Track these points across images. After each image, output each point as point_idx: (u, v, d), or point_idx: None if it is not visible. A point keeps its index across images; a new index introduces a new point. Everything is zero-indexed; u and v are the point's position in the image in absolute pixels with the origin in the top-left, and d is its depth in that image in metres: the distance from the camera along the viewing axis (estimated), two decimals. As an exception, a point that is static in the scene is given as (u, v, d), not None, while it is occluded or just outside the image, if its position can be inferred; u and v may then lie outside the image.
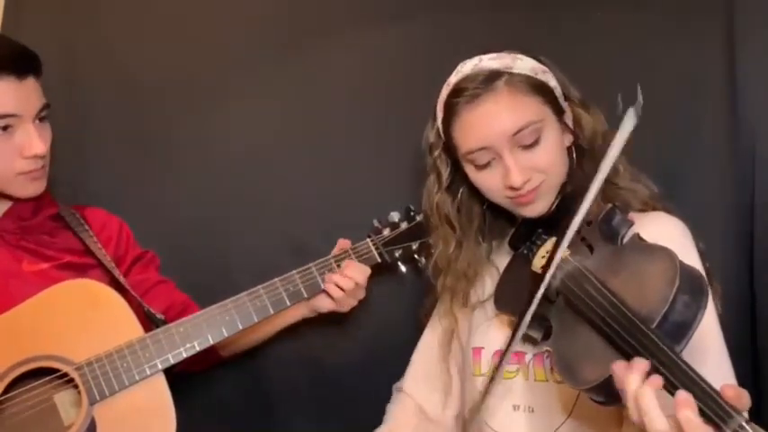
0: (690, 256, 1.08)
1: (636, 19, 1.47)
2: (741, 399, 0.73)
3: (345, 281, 1.33)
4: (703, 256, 1.11)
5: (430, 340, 1.35)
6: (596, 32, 1.48)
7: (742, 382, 1.08)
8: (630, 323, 0.82)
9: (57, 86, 1.50)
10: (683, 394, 0.73)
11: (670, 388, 0.76)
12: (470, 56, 1.16)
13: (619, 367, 0.79)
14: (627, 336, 0.82)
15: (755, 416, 0.95)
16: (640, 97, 0.83)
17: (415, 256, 1.42)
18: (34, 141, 1.21)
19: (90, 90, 1.62)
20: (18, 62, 1.19)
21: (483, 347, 1.19)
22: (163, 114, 1.62)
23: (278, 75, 1.60)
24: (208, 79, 1.61)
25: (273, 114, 1.61)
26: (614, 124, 0.87)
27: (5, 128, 1.19)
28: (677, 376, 0.76)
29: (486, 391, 1.05)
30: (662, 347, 0.78)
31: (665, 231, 1.10)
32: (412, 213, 1.42)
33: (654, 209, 1.17)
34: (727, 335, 1.07)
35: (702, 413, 0.72)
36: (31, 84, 1.21)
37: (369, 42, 1.58)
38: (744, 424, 0.69)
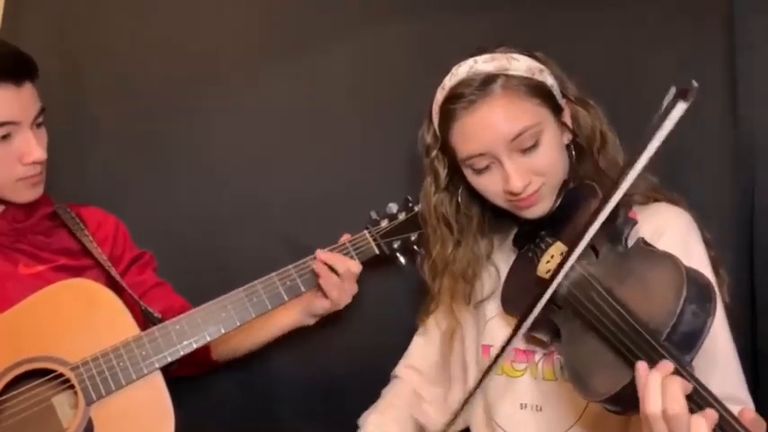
0: (695, 248, 1.07)
1: (636, 18, 1.44)
2: (758, 425, 0.72)
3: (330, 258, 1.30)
4: (709, 245, 1.10)
5: (425, 342, 1.35)
6: (596, 32, 1.46)
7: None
8: (639, 336, 0.82)
9: (56, 86, 1.53)
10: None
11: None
12: (467, 53, 1.13)
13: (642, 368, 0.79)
14: (636, 350, 0.81)
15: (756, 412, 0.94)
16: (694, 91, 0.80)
17: (414, 247, 1.37)
18: (33, 148, 1.20)
19: (89, 90, 1.61)
20: (16, 68, 1.18)
21: (491, 345, 1.18)
22: (161, 114, 1.61)
23: (276, 74, 1.59)
24: (206, 79, 1.60)
25: (271, 113, 1.59)
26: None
27: (5, 136, 1.18)
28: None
29: (476, 387, 1.05)
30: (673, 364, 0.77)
31: (668, 225, 1.09)
32: (410, 204, 1.38)
33: (656, 200, 1.15)
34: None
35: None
36: (28, 89, 1.20)
37: (366, 41, 1.56)
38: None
